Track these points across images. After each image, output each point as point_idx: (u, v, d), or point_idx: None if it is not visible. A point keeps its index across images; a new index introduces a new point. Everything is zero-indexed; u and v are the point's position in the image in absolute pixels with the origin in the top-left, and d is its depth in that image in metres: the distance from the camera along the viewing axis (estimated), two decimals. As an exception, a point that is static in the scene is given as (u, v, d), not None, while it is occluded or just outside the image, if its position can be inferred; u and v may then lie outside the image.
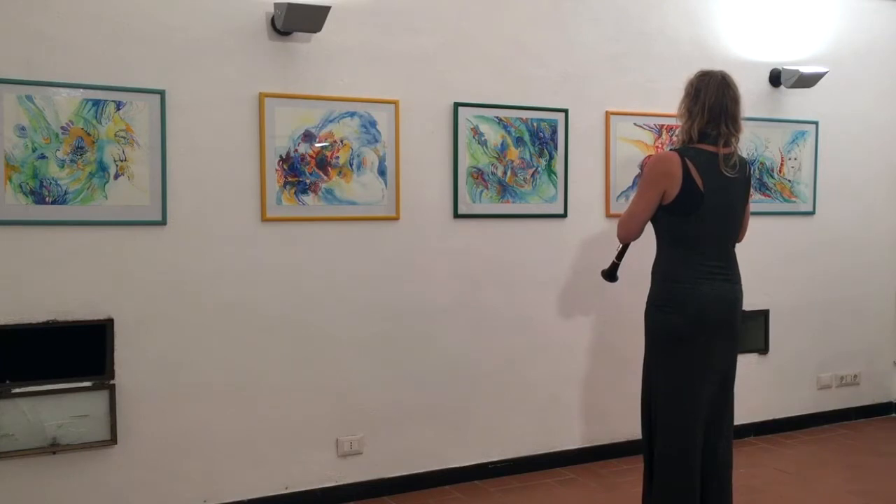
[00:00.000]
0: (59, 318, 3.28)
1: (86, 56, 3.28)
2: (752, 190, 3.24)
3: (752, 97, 4.76)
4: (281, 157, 3.63)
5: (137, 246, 3.40)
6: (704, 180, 3.01)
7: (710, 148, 3.05)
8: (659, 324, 3.12)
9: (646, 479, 3.27)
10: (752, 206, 4.70)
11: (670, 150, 3.16)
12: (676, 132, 3.24)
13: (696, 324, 3.04)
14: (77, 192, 3.28)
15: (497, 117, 4.08)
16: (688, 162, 3.02)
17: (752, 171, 3.22)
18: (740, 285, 3.17)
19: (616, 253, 3.51)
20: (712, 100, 3.05)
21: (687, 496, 3.04)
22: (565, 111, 4.24)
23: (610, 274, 3.55)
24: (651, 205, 3.09)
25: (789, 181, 4.94)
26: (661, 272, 3.15)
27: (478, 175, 4.06)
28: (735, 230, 3.17)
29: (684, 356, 3.06)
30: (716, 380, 3.12)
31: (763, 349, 4.95)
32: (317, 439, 3.78)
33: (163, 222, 3.43)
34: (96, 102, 3.29)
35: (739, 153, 3.14)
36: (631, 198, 3.47)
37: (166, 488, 3.49)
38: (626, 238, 3.25)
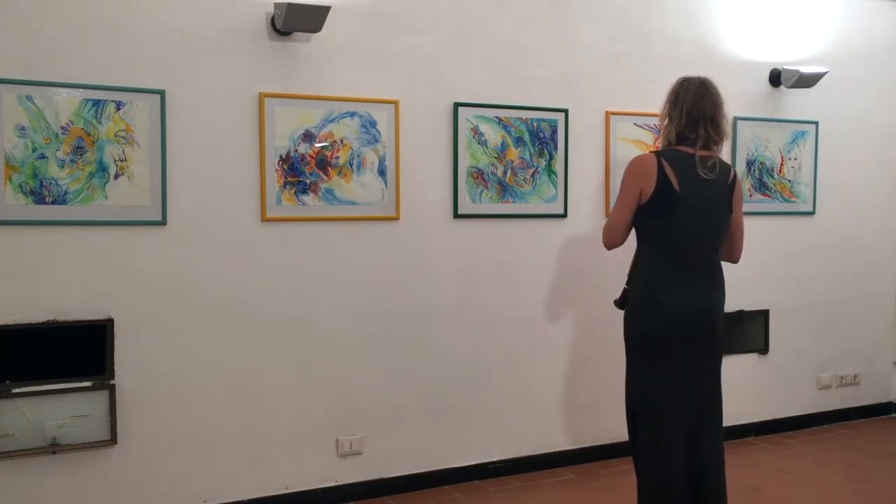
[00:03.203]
0: (59, 318, 3.28)
1: (86, 56, 3.28)
2: (738, 199, 3.16)
3: (752, 97, 4.78)
4: (281, 157, 3.63)
5: (137, 246, 3.40)
6: (680, 180, 3.01)
7: (688, 150, 3.06)
8: (633, 329, 3.13)
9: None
10: (752, 206, 4.78)
11: (650, 151, 3.16)
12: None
13: (669, 331, 3.03)
14: (77, 192, 3.28)
15: (497, 117, 4.08)
16: (664, 162, 3.02)
17: (735, 177, 3.15)
18: (721, 290, 3.14)
19: (627, 279, 3.48)
20: (690, 103, 3.06)
21: (669, 500, 3.03)
22: (565, 111, 4.24)
23: (622, 303, 3.51)
24: (628, 208, 3.08)
25: (789, 181, 4.94)
26: (638, 275, 3.16)
27: (478, 175, 4.06)
28: (716, 233, 3.11)
29: (658, 363, 3.06)
30: (695, 385, 3.08)
31: (763, 349, 4.95)
32: (317, 439, 3.78)
33: (163, 222, 3.43)
34: (96, 102, 3.29)
35: (722, 159, 3.11)
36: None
37: (166, 488, 3.49)
38: (609, 245, 3.22)
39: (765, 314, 4.94)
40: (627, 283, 3.42)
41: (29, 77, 3.18)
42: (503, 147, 4.11)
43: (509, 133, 4.12)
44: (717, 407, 3.16)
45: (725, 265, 3.24)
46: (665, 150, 3.10)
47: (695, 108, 3.05)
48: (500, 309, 4.15)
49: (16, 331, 3.22)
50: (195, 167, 3.48)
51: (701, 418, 3.09)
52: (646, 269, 3.12)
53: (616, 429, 4.41)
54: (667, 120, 3.13)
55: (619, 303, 3.51)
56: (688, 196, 3.01)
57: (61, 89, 3.24)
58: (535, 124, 4.17)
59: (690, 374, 3.07)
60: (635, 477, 3.26)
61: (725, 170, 3.12)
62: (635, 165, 3.09)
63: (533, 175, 4.19)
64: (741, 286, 4.71)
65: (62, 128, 3.25)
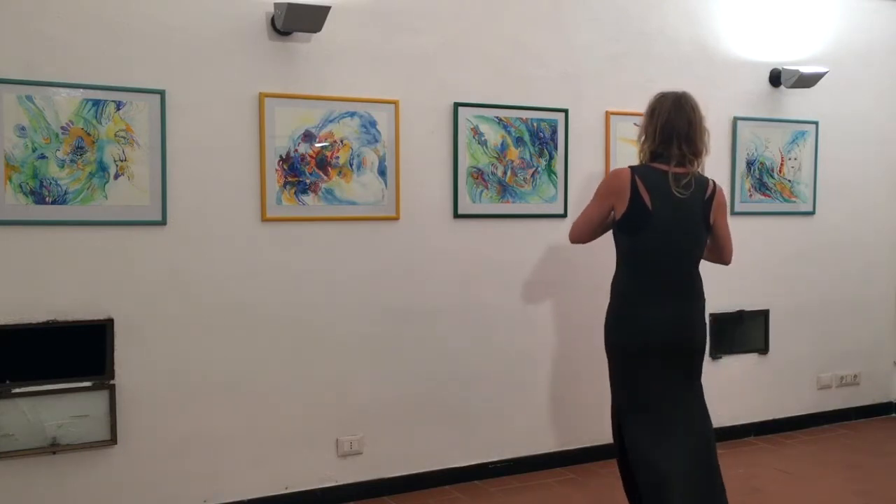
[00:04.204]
0: (59, 318, 3.28)
1: (86, 56, 3.28)
2: (719, 211, 3.16)
3: (752, 97, 4.78)
4: (281, 157, 3.63)
5: (137, 246, 3.40)
6: (653, 199, 3.02)
7: (662, 167, 3.06)
8: (610, 343, 3.19)
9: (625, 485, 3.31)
10: (752, 206, 4.80)
11: (628, 166, 3.16)
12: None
13: (646, 344, 3.05)
14: (77, 192, 3.28)
15: (497, 117, 4.08)
16: (637, 179, 3.03)
17: (714, 190, 3.13)
18: (700, 302, 3.15)
19: None
20: (663, 121, 3.06)
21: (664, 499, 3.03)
22: (565, 111, 4.24)
23: None
24: (596, 217, 3.19)
25: (789, 181, 4.94)
26: (615, 289, 3.20)
27: (478, 175, 4.06)
28: (691, 248, 3.12)
29: (638, 376, 3.09)
30: (677, 396, 3.09)
31: (763, 349, 4.95)
32: (317, 439, 3.78)
33: (163, 222, 3.43)
34: (96, 102, 3.29)
35: (699, 174, 3.10)
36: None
37: (166, 488, 3.49)
38: (574, 241, 3.35)
39: (765, 314, 4.93)
40: None
41: (29, 77, 3.18)
42: (503, 147, 4.11)
43: (509, 133, 4.12)
44: (705, 417, 3.14)
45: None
46: (640, 166, 3.11)
47: (668, 125, 3.05)
48: (500, 309, 4.15)
49: (16, 331, 3.22)
50: (195, 167, 3.48)
51: (689, 430, 3.08)
52: (622, 284, 3.17)
53: (616, 429, 4.43)
54: (643, 136, 3.15)
55: None
56: (660, 214, 3.02)
57: (61, 89, 3.24)
58: (535, 124, 4.17)
59: (672, 386, 3.08)
60: (621, 484, 3.31)
61: (702, 186, 3.10)
62: (609, 181, 3.14)
63: (533, 175, 4.19)
64: (741, 286, 4.73)
65: (62, 128, 3.25)
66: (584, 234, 3.28)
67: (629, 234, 3.08)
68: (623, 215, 3.07)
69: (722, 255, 3.30)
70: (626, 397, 3.17)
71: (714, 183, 3.16)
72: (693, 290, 3.13)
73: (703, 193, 3.10)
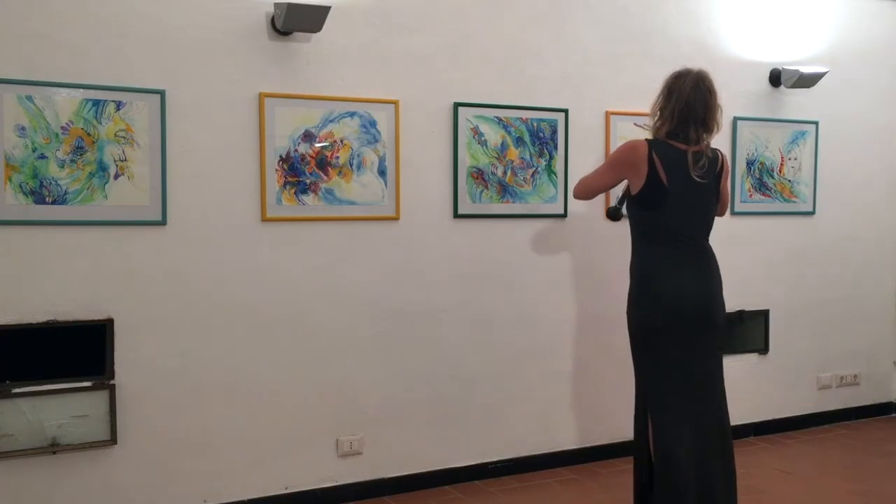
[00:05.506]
0: (59, 318, 3.28)
1: (86, 56, 3.28)
2: (725, 177, 3.27)
3: (752, 97, 4.78)
4: (281, 157, 3.63)
5: (137, 246, 3.40)
6: (669, 178, 3.07)
7: (680, 146, 3.10)
8: (637, 320, 3.19)
9: (636, 481, 3.30)
10: (752, 206, 4.82)
11: (645, 139, 3.18)
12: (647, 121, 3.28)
13: (672, 317, 3.08)
14: (77, 192, 3.28)
15: (497, 117, 4.08)
16: (655, 156, 3.07)
17: (723, 162, 3.21)
18: (717, 275, 3.20)
19: (618, 199, 3.42)
20: (682, 105, 3.10)
21: (680, 491, 3.03)
22: (565, 111, 4.24)
23: (614, 214, 3.44)
24: (607, 184, 3.37)
25: (789, 181, 4.94)
26: (635, 267, 3.22)
27: (478, 175, 4.06)
28: (707, 225, 3.21)
29: (664, 349, 3.11)
30: (701, 371, 3.12)
31: (763, 349, 4.95)
32: (317, 439, 3.78)
33: (163, 222, 3.43)
34: (96, 102, 3.29)
35: (711, 148, 3.17)
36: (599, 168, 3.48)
37: (166, 488, 3.49)
38: (577, 198, 3.56)
39: (765, 314, 4.93)
40: (619, 203, 3.36)
41: (29, 77, 3.18)
42: (503, 147, 4.11)
43: (509, 133, 4.12)
44: (721, 399, 3.18)
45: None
46: (658, 142, 3.14)
47: (686, 109, 3.09)
48: (500, 309, 4.15)
49: (16, 331, 3.22)
50: (195, 167, 3.48)
51: (707, 405, 3.12)
52: (642, 260, 3.20)
53: (616, 428, 4.43)
54: (658, 115, 3.18)
55: (611, 214, 3.43)
56: (677, 193, 3.08)
57: (61, 89, 3.24)
58: (535, 124, 4.17)
59: (694, 360, 3.10)
60: (633, 474, 3.30)
61: (714, 162, 3.17)
62: (626, 154, 3.17)
63: (533, 175, 4.19)
64: (741, 286, 4.72)
65: (62, 128, 3.25)
66: (589, 195, 3.48)
67: (647, 208, 3.13)
68: (640, 191, 3.11)
69: (721, 211, 3.38)
70: (652, 378, 3.16)
71: (721, 154, 3.23)
72: (710, 264, 3.19)
73: (715, 168, 3.17)
